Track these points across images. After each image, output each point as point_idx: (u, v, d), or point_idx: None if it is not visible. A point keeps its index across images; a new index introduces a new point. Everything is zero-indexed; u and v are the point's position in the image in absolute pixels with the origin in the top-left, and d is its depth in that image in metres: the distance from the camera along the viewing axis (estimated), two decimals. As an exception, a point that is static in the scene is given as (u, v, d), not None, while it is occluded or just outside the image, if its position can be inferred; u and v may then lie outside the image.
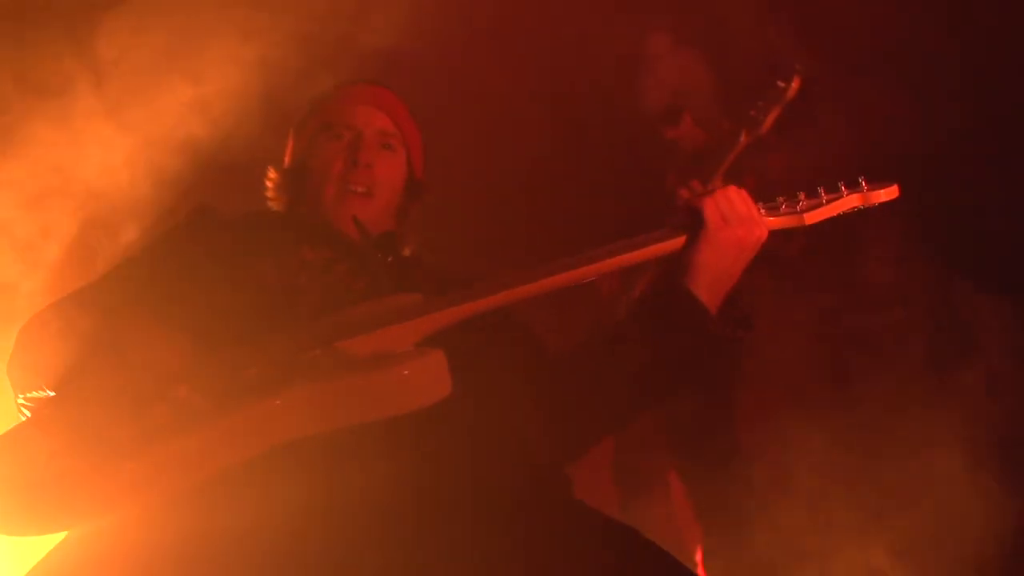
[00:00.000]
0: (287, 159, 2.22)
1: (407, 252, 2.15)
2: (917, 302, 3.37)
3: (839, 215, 1.88)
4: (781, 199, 1.90)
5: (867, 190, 1.88)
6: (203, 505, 1.64)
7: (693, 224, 1.87)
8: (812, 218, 1.88)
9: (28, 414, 1.83)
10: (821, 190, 1.89)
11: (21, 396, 1.82)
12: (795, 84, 3.17)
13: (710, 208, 1.86)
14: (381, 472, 1.69)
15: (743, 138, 3.19)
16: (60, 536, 1.73)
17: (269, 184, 2.21)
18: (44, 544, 1.74)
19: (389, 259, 2.04)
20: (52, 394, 1.77)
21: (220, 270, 1.95)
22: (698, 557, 3.45)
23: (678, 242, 1.88)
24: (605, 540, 1.73)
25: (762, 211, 1.89)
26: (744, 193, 1.89)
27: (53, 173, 3.04)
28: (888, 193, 1.88)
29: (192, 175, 3.14)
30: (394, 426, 1.69)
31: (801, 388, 3.33)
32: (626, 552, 1.72)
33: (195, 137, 3.07)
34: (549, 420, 1.91)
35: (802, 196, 1.89)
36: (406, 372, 1.70)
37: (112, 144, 3.02)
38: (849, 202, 1.87)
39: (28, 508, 1.63)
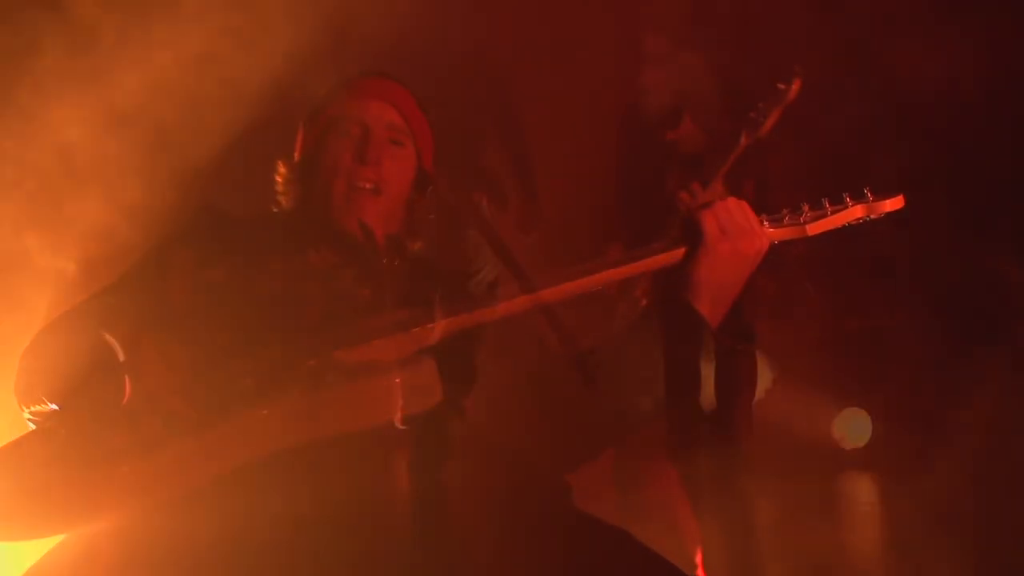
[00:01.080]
0: (297, 154, 2.20)
1: (417, 246, 2.14)
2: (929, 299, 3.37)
3: (843, 226, 1.87)
4: (785, 210, 1.89)
5: (872, 200, 1.86)
6: (196, 510, 1.66)
7: (692, 237, 1.85)
8: (815, 229, 1.86)
9: (34, 427, 1.84)
10: (825, 201, 1.87)
11: (26, 410, 1.84)
12: (795, 86, 3.16)
13: (708, 221, 1.83)
14: (372, 478, 1.72)
15: (743, 140, 3.18)
16: (58, 538, 1.75)
17: (279, 179, 2.19)
18: (41, 544, 1.76)
19: (396, 263, 2.04)
20: (55, 407, 1.79)
21: (224, 277, 1.95)
22: (698, 558, 3.46)
23: (678, 254, 1.87)
24: (600, 546, 1.74)
25: (764, 223, 1.87)
26: (744, 204, 1.87)
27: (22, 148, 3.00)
28: (893, 204, 1.86)
29: (177, 153, 3.10)
30: (387, 433, 1.70)
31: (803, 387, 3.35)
32: (622, 558, 1.72)
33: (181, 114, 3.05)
34: (551, 427, 1.91)
35: (806, 207, 1.87)
36: (397, 380, 1.72)
37: (91, 120, 2.99)
38: (853, 213, 1.86)
39: (23, 515, 1.67)
